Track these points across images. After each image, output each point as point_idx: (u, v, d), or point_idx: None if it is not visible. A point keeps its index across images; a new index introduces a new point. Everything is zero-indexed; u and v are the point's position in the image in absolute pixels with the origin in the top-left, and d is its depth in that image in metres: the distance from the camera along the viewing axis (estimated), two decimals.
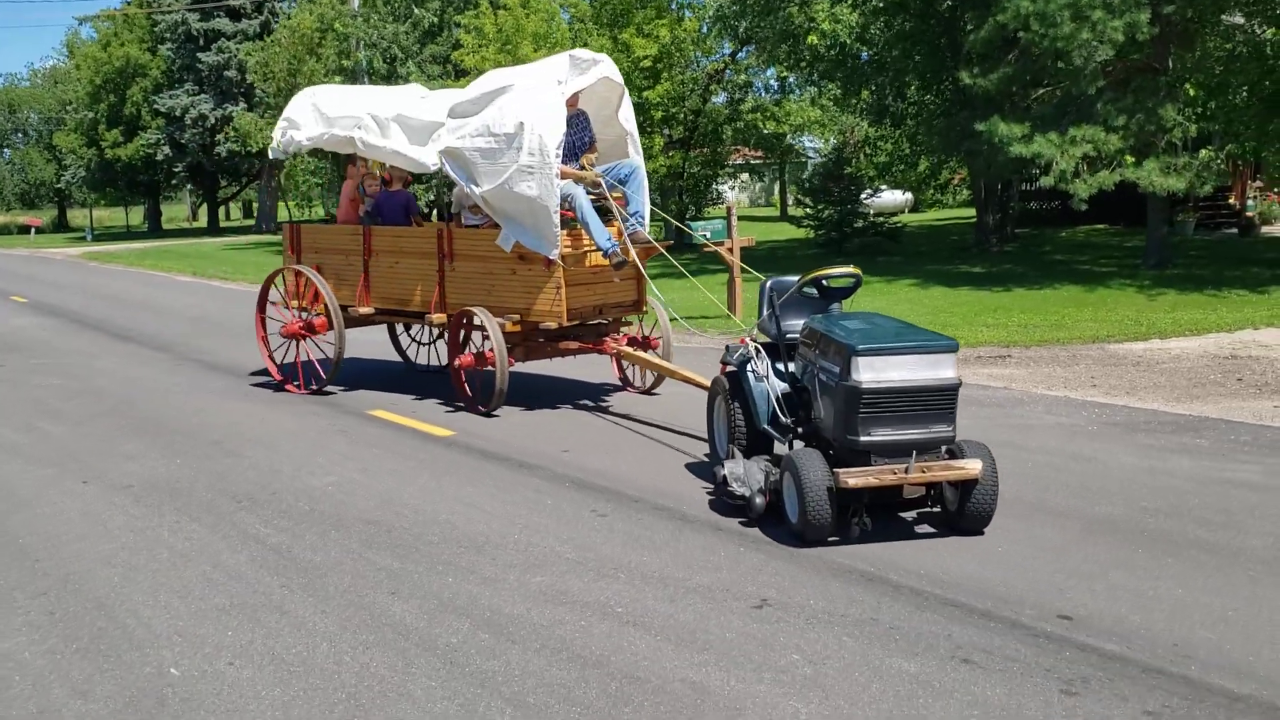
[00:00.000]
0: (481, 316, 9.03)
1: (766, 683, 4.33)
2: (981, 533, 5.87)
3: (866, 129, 31.09)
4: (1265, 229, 25.09)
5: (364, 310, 10.27)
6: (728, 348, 7.20)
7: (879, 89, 24.69)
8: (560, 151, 8.53)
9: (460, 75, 25.70)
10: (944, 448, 5.87)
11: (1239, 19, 17.61)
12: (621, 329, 9.99)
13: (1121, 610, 4.87)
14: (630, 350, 9.37)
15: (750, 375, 6.83)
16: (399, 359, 12.34)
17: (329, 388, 10.54)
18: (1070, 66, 16.34)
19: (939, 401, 5.72)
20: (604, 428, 8.91)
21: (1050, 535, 5.94)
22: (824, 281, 6.76)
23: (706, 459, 7.66)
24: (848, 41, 21.75)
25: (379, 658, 4.69)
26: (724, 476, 6.30)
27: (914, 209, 44.57)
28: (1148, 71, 17.45)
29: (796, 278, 6.97)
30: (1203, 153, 16.96)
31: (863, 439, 5.69)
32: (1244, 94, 16.98)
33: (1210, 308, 14.39)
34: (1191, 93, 16.40)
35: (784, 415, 6.56)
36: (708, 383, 7.83)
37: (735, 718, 4.06)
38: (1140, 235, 22.81)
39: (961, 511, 5.86)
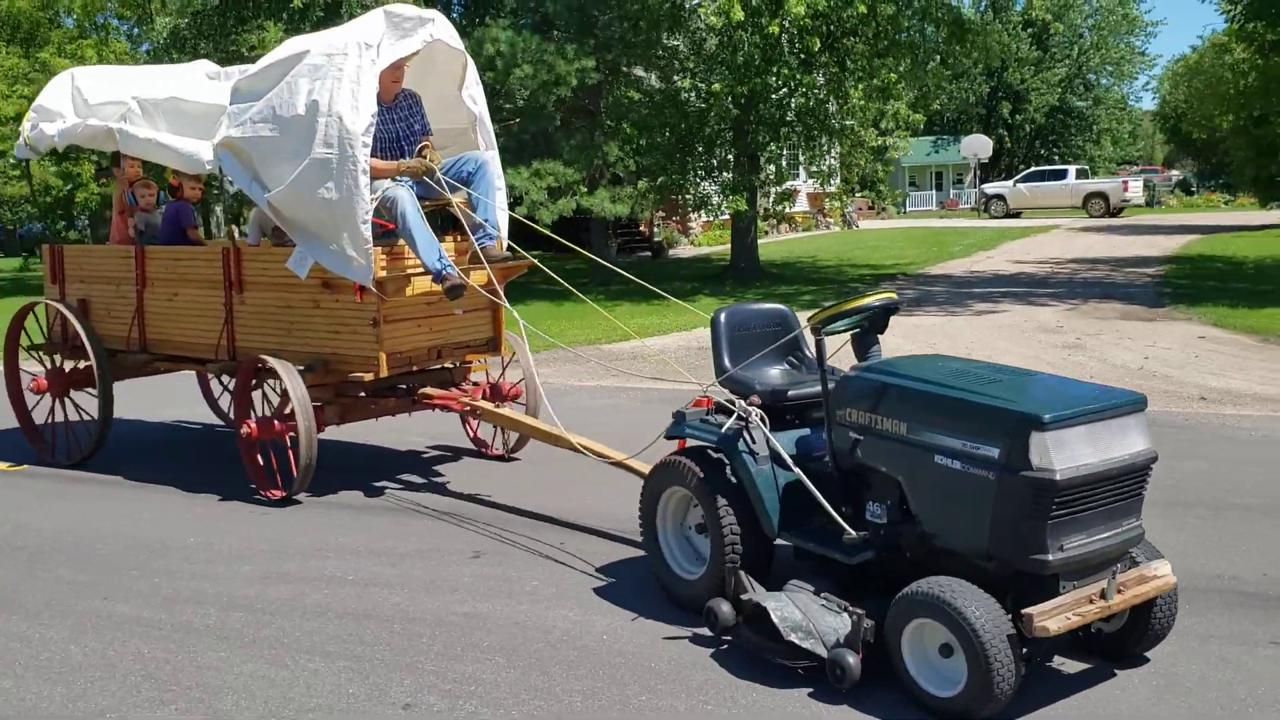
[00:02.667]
0: (277, 366, 6.89)
1: (525, 604, 5.17)
2: (1148, 659, 4.38)
3: None
4: (672, 252, 29.45)
5: (138, 358, 8.17)
6: (683, 416, 5.05)
7: None
8: (369, 138, 6.58)
9: None
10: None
11: (645, 72, 20.97)
12: (479, 377, 8.01)
13: None
14: (490, 406, 7.21)
15: (747, 457, 4.70)
16: (218, 420, 9.76)
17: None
18: (531, 105, 18.36)
19: (1134, 486, 4.09)
20: (198, 436, 8.87)
21: None
22: (865, 312, 4.60)
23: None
24: None
25: (147, 646, 4.81)
26: (749, 613, 4.39)
27: None
28: (588, 113, 20.07)
29: (770, 306, 5.38)
30: (640, 184, 19.87)
31: (1054, 557, 3.88)
32: (666, 135, 20.17)
33: (661, 314, 17.06)
34: (629, 131, 19.19)
35: (842, 518, 4.41)
36: (617, 456, 6.08)
37: (519, 630, 4.86)
38: (572, 259, 25.78)
39: (1139, 632, 4.27)
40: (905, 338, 13.68)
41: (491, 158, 7.26)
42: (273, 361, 6.94)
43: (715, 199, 21.36)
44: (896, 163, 46.76)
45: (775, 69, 18.93)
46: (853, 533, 4.34)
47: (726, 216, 22.77)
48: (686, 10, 20.05)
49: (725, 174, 21.24)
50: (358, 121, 6.50)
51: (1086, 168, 47.50)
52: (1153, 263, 22.84)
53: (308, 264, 6.87)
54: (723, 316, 5.16)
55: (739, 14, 17.10)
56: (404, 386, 7.53)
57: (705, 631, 4.67)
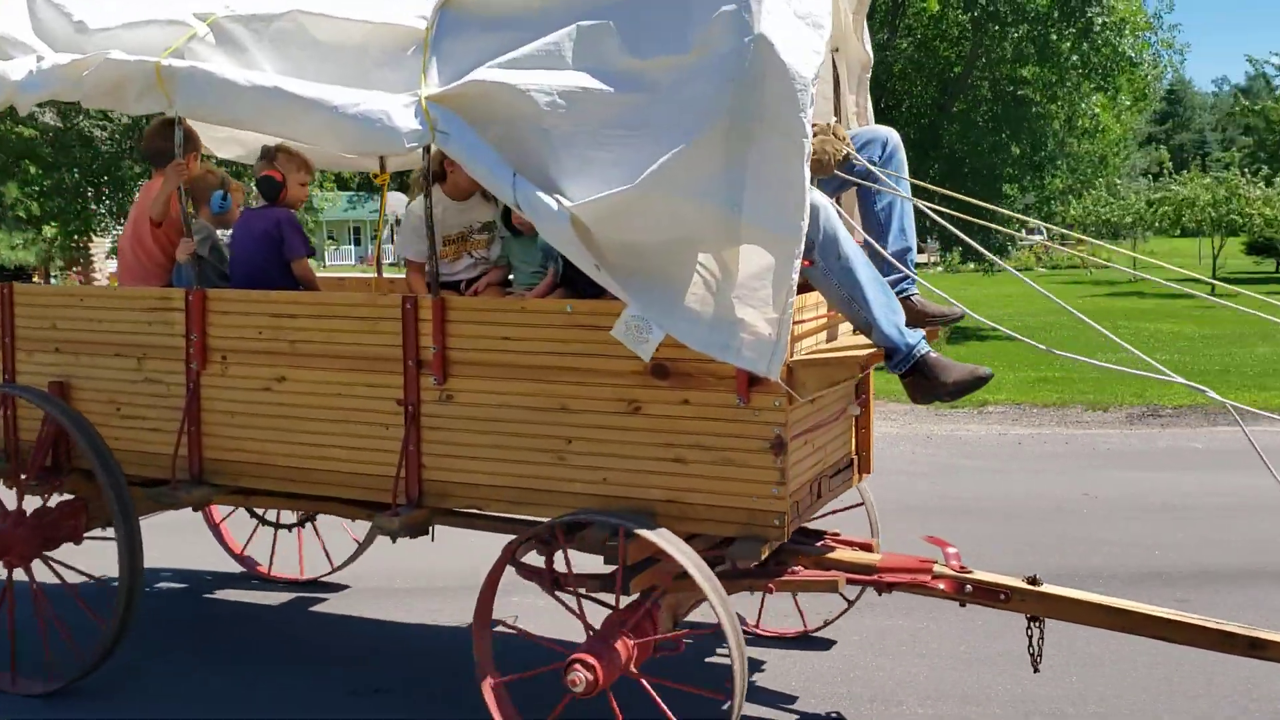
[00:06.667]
0: (660, 540, 3.58)
1: None
2: None
3: None
4: None
5: (193, 493, 4.40)
6: None
7: None
8: (814, 91, 3.24)
9: None
10: None
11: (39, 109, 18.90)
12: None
13: None
14: (1059, 589, 3.92)
15: None
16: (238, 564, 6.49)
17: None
18: None
19: None
20: None
21: None
22: None
23: None
24: None
25: None
26: None
27: None
28: None
29: None
30: (46, 229, 17.76)
31: None
32: (75, 175, 18.12)
33: None
34: (33, 171, 17.11)
35: None
36: None
37: None
38: None
39: None
40: None
41: (898, 138, 4.35)
42: (654, 536, 3.57)
43: None
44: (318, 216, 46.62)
45: None
46: None
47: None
48: None
49: None
50: (803, 53, 3.18)
51: None
52: None
53: (653, 338, 3.57)
54: None
55: None
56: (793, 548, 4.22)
57: None
